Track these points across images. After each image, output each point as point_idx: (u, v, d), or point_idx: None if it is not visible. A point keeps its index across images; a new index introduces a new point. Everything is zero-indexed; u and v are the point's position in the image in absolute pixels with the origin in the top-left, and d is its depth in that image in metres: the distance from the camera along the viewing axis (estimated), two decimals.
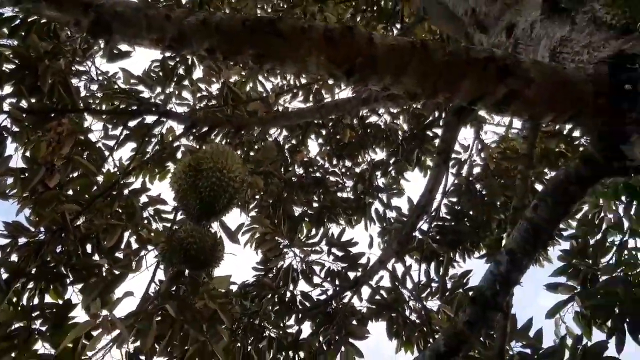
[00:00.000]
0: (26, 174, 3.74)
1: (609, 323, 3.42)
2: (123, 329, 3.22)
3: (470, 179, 5.83)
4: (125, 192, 4.04)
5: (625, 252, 3.65)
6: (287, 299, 5.39)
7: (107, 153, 4.31)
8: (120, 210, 4.03)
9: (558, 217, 2.18)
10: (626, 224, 3.75)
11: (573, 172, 2.02)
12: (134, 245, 4.02)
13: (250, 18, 1.78)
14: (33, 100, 3.99)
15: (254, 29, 1.71)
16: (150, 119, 4.00)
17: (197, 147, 3.69)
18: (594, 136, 1.86)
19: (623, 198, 3.50)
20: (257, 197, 6.08)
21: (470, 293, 2.52)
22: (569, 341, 3.24)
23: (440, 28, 4.87)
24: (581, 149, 4.95)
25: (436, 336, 4.08)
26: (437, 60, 1.80)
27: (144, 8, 1.85)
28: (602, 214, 3.99)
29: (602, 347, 3.26)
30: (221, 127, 4.14)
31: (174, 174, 2.84)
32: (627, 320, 3.40)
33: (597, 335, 3.49)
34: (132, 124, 4.26)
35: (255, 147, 6.59)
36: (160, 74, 5.10)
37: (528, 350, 3.37)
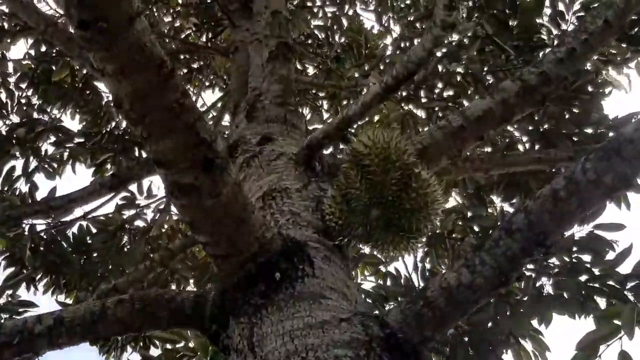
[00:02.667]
0: None
1: None
2: None
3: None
4: None
5: None
6: None
7: None
8: None
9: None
10: None
11: (180, 300, 2.48)
12: None
13: None
14: None
15: None
16: None
17: None
18: (219, 288, 2.32)
19: None
20: None
21: None
22: None
23: (232, 82, 5.66)
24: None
25: None
26: (170, 97, 2.13)
27: None
28: None
29: None
30: None
31: None
32: None
33: None
34: None
35: None
36: None
37: None
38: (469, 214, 5.81)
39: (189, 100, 2.03)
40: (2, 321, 2.50)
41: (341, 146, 5.17)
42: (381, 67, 7.58)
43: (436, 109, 6.63)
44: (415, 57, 2.83)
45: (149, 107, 1.98)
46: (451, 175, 4.39)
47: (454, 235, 5.84)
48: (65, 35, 4.07)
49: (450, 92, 6.82)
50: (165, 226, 6.82)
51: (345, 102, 7.66)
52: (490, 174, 4.40)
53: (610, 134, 4.80)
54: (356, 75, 7.43)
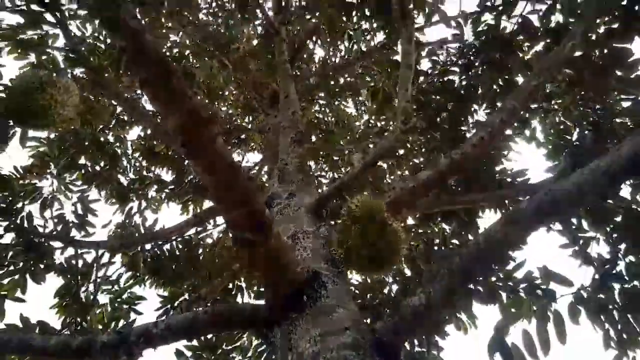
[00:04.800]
0: None
1: None
2: None
3: None
4: None
5: None
6: None
7: None
8: None
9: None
10: None
11: (244, 311, 2.49)
12: None
13: None
14: None
15: None
16: None
17: None
18: (268, 304, 2.21)
19: None
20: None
21: None
22: None
23: (266, 151, 5.63)
24: None
25: None
26: (239, 184, 2.13)
27: None
28: None
29: None
30: None
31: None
32: None
33: None
34: None
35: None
36: None
37: None
38: (420, 230, 5.81)
39: (251, 183, 2.05)
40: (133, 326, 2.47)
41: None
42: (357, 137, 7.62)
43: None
44: (387, 144, 2.87)
45: (225, 192, 2.00)
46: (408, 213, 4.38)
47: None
48: (167, 135, 4.13)
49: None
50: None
51: (336, 159, 7.67)
52: (432, 211, 4.39)
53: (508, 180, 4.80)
54: (341, 142, 7.46)
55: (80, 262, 5.35)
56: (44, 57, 4.83)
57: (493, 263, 1.86)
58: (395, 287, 4.81)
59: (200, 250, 6.24)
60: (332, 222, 3.16)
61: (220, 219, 6.33)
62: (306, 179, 3.83)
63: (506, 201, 4.17)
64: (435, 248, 5.29)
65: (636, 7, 2.91)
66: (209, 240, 6.44)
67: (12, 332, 2.66)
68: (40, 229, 5.27)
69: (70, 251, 5.28)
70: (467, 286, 1.87)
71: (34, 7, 4.76)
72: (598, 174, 1.36)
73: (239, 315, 2.31)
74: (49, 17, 4.79)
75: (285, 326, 2.10)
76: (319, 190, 6.88)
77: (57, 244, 5.17)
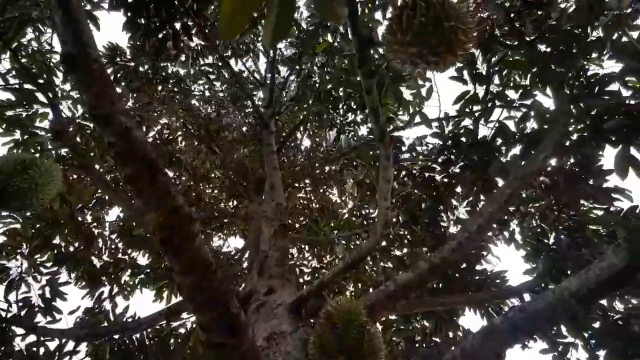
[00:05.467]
0: None
1: None
2: None
3: None
4: None
5: None
6: None
7: None
8: None
9: None
10: None
11: None
12: None
13: None
14: None
15: None
16: None
17: None
18: None
19: None
20: None
21: None
22: None
23: (249, 239, 5.63)
24: None
25: None
26: (214, 285, 2.13)
27: None
28: None
29: None
30: None
31: None
32: None
33: None
34: None
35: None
36: None
37: None
38: (401, 327, 5.71)
39: (226, 285, 2.05)
40: None
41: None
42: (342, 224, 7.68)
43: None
44: (368, 246, 2.91)
45: (200, 292, 2.00)
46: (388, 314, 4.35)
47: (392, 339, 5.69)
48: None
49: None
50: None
51: (319, 248, 7.67)
52: (413, 311, 4.36)
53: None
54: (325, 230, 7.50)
55: (42, 350, 5.10)
56: (27, 137, 4.94)
57: None
58: None
59: (172, 341, 5.98)
60: (312, 321, 3.11)
61: None
62: (287, 274, 3.82)
63: (486, 304, 4.17)
64: (417, 345, 5.19)
65: (603, 124, 3.16)
66: (182, 330, 6.21)
67: None
68: (2, 313, 5.07)
69: (32, 337, 5.05)
70: None
71: (27, 85, 4.97)
72: (567, 295, 1.43)
73: None
74: (40, 96, 4.99)
75: None
76: (300, 280, 6.81)
77: (19, 329, 4.96)
